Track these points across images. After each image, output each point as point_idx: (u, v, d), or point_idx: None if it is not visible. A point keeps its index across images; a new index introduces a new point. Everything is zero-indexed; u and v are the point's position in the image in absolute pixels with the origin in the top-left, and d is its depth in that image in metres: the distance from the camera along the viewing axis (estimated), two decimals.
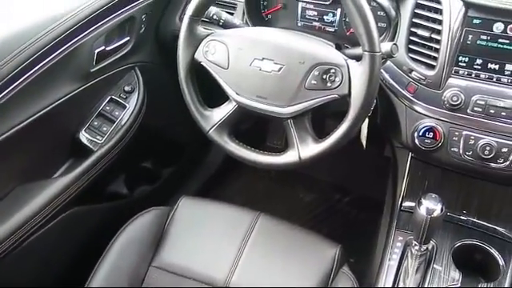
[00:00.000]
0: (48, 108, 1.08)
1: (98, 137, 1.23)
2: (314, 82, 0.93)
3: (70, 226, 1.21)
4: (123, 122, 1.26)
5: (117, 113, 1.27)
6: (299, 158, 0.98)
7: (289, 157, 0.99)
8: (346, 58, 0.93)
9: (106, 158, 1.22)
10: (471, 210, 1.17)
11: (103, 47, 1.19)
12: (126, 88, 1.30)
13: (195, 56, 1.03)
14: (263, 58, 0.97)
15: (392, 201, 1.26)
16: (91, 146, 1.22)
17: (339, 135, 0.94)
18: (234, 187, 1.94)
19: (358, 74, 0.90)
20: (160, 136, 1.60)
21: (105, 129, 1.24)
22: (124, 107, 1.28)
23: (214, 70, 1.02)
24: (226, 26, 1.11)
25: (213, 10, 1.09)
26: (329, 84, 0.92)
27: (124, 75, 1.32)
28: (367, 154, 1.39)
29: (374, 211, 1.46)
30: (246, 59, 0.98)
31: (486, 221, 1.16)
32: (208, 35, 1.03)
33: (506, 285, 1.04)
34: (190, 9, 1.01)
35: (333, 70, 0.92)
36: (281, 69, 0.95)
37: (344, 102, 0.93)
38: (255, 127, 1.86)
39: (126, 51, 1.28)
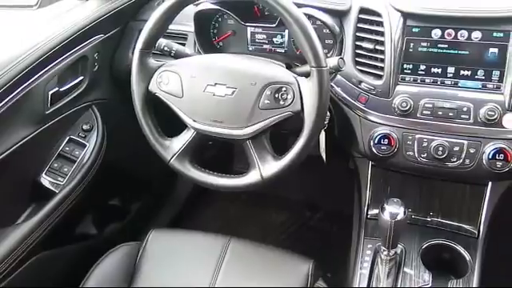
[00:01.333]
0: (5, 154, 1.07)
1: (59, 178, 1.22)
2: (267, 101, 0.95)
3: (38, 271, 1.18)
4: (84, 161, 1.25)
5: (77, 152, 1.26)
6: (261, 177, 0.99)
7: (251, 177, 1.00)
8: (296, 75, 0.96)
9: (69, 198, 1.21)
10: (435, 210, 1.21)
11: (57, 88, 1.19)
12: (85, 127, 1.30)
13: (149, 88, 1.04)
14: (216, 83, 0.99)
15: (359, 210, 1.28)
16: (53, 189, 1.20)
17: (297, 150, 0.96)
18: (206, 215, 1.93)
19: (308, 89, 0.93)
20: (124, 171, 1.58)
21: (66, 169, 1.23)
22: (84, 146, 1.27)
23: (169, 99, 1.03)
24: (178, 56, 1.12)
25: (163, 42, 1.10)
26: (281, 102, 0.95)
27: (81, 114, 1.31)
28: (333, 169, 1.42)
29: (345, 223, 1.47)
30: (199, 86, 1.00)
31: (450, 219, 1.19)
32: (160, 66, 1.04)
33: (475, 279, 1.07)
34: (140, 42, 1.02)
35: (284, 89, 0.95)
36: (234, 92, 0.97)
37: (299, 118, 0.95)
38: (221, 154, 1.87)
39: (80, 90, 1.27)
